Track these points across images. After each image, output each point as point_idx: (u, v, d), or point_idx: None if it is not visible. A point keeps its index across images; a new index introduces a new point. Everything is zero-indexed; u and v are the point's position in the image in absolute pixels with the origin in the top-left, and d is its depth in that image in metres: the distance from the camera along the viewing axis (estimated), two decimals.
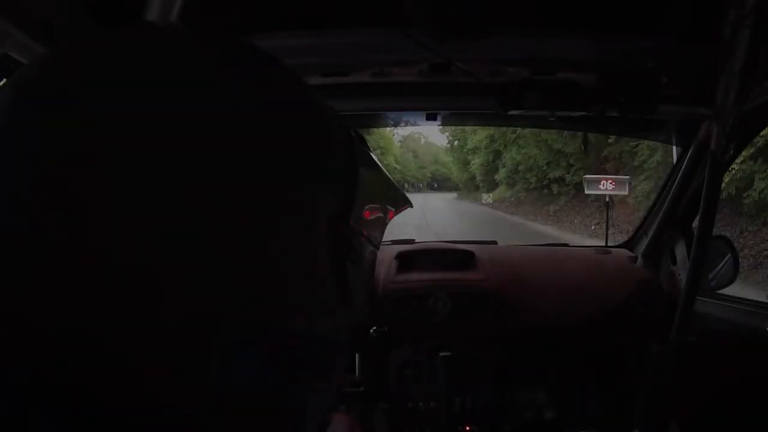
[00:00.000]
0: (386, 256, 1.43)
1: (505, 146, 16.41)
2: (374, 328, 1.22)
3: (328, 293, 0.24)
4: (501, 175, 17.26)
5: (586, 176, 7.97)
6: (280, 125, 0.22)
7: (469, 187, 23.45)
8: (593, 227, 10.31)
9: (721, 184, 1.11)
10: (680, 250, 1.33)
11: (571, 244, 1.83)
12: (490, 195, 18.50)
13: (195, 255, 0.19)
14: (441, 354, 1.26)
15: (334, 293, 0.24)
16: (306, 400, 0.25)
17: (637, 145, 9.34)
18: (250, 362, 0.21)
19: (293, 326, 0.22)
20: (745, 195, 6.39)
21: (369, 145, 0.29)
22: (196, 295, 0.19)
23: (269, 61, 0.24)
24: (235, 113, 0.21)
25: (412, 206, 0.34)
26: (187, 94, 0.20)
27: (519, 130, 13.72)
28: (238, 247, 0.20)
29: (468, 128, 19.03)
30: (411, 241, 1.62)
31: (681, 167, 1.28)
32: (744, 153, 5.48)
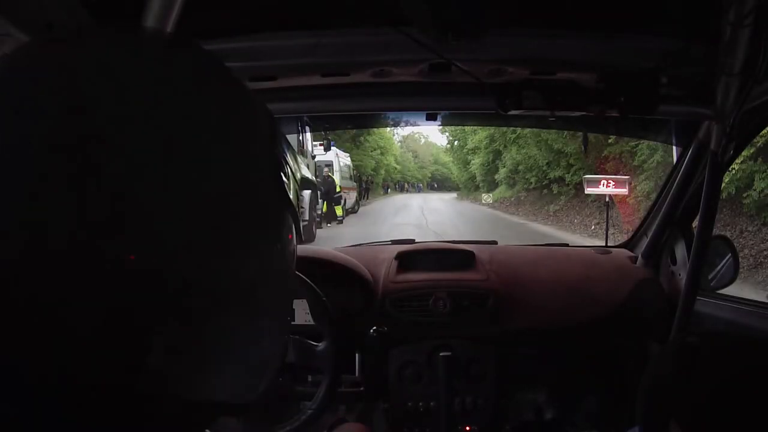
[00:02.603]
0: (386, 256, 1.43)
1: (505, 146, 16.40)
2: (374, 328, 1.22)
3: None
4: (501, 175, 17.25)
5: (586, 176, 7.97)
6: (214, 111, 0.27)
7: (469, 187, 23.44)
8: (593, 227, 10.30)
9: (721, 184, 1.10)
10: (680, 250, 1.33)
11: (571, 244, 1.83)
12: (490, 195, 18.48)
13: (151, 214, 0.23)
14: (441, 354, 1.26)
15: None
16: (261, 343, 0.28)
17: (637, 145, 9.33)
18: (205, 310, 0.24)
19: (236, 270, 0.25)
20: (745, 195, 6.39)
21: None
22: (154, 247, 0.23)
23: (210, 61, 0.28)
24: (173, 102, 0.25)
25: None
26: (140, 88, 0.24)
27: (519, 130, 13.71)
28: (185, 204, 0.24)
29: (468, 128, 19.03)
30: (411, 241, 1.62)
31: (681, 167, 1.28)
32: (744, 153, 5.48)
